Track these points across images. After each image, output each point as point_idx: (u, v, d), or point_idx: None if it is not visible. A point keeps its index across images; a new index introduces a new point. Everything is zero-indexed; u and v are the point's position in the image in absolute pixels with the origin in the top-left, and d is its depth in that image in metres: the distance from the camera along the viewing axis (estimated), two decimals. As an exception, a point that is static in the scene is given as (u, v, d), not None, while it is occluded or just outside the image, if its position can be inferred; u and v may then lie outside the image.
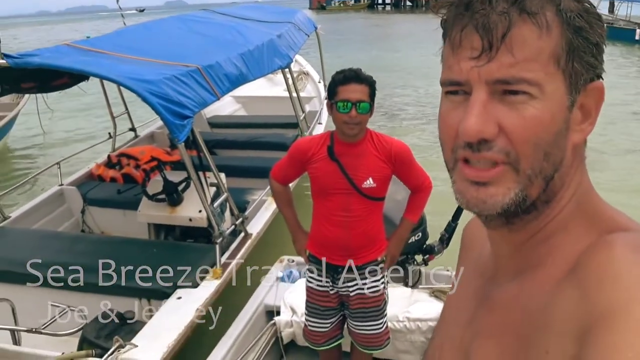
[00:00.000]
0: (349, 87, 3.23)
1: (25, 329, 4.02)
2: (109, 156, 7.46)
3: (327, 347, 3.85)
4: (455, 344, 1.04)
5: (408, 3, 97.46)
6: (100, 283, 4.60)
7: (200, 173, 5.11)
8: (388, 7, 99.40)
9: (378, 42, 35.77)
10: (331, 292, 3.66)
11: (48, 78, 5.08)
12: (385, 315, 3.74)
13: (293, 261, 5.06)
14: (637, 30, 28.93)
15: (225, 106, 10.31)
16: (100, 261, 4.89)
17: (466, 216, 3.36)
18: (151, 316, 4.25)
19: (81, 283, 4.64)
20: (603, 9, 37.50)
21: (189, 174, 5.58)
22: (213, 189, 5.36)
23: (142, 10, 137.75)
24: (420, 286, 4.71)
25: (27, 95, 12.42)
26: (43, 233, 5.95)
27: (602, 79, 0.87)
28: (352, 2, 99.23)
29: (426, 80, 18.62)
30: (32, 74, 4.75)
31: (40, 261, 4.93)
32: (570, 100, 0.83)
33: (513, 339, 0.87)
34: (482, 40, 0.82)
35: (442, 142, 0.93)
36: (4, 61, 4.22)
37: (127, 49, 5.10)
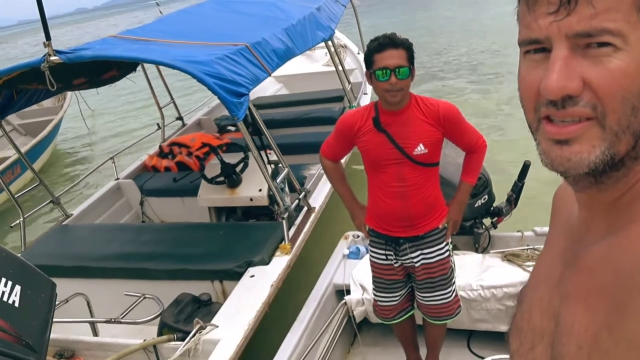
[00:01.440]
0: (386, 53, 3.12)
1: (104, 320, 4.06)
2: (160, 146, 7.51)
3: (399, 320, 3.79)
4: (543, 307, 0.99)
5: None
6: (172, 269, 4.63)
7: (262, 151, 5.08)
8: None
9: (413, 3, 35.10)
10: (396, 265, 3.59)
11: (98, 72, 5.10)
12: (454, 283, 3.66)
13: (358, 236, 5.00)
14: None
15: (267, 87, 10.27)
16: (168, 248, 4.95)
17: (532, 175, 3.25)
18: (226, 297, 4.27)
19: (153, 271, 4.68)
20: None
21: (246, 153, 5.60)
22: (270, 167, 5.33)
23: None
24: (491, 251, 4.60)
25: (69, 97, 12.56)
26: (106, 227, 6.03)
27: None
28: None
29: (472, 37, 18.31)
30: (82, 69, 4.78)
31: (108, 254, 5.02)
32: None
33: (605, 302, 0.81)
34: None
35: (523, 103, 0.89)
36: (57, 57, 4.22)
37: (172, 34, 5.10)
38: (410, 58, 3.19)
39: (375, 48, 3.17)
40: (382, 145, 3.29)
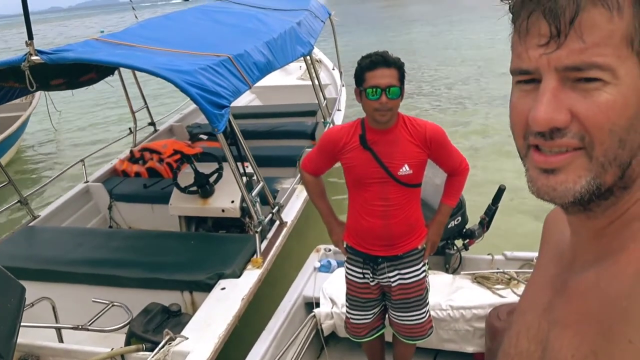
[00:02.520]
0: (377, 72, 3.12)
1: (70, 326, 3.99)
2: (131, 151, 7.45)
3: (370, 338, 3.80)
4: (531, 333, 1.00)
5: None
6: (142, 277, 4.59)
7: (238, 163, 5.06)
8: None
9: (387, 25, 35.39)
10: (372, 283, 3.58)
11: (76, 74, 5.05)
12: (428, 304, 3.67)
13: (330, 250, 5.01)
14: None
15: (240, 97, 10.20)
16: (137, 255, 4.90)
17: (506, 199, 3.31)
18: (196, 308, 4.24)
19: (122, 278, 4.63)
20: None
21: (221, 164, 5.57)
22: (244, 179, 5.32)
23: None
24: (462, 272, 4.64)
25: (38, 94, 12.38)
26: (74, 230, 5.94)
27: None
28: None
29: (442, 62, 18.52)
30: (61, 70, 4.73)
31: (76, 258, 4.95)
32: None
33: (592, 328, 0.82)
34: (550, 26, 0.79)
35: (513, 130, 0.90)
36: (38, 57, 4.17)
37: (156, 41, 5.07)
38: (402, 78, 3.20)
39: (367, 66, 3.16)
40: (367, 163, 3.29)
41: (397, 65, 3.18)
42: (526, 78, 0.85)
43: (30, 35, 4.17)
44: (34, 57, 4.16)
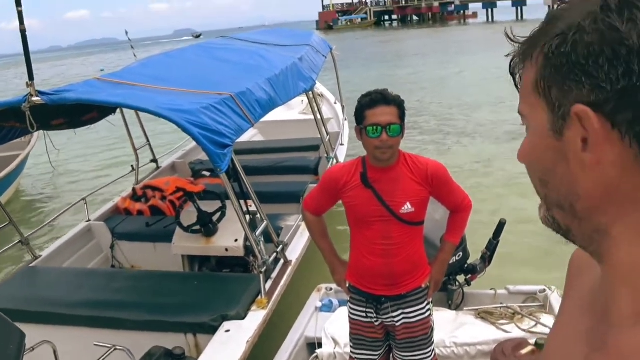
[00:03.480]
0: (377, 110, 3.12)
1: None
2: (133, 189, 7.39)
3: None
4: None
5: (414, 18, 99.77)
6: (144, 319, 4.51)
7: (241, 201, 5.01)
8: (395, 24, 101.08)
9: (386, 59, 35.81)
10: (376, 323, 3.52)
11: (78, 113, 5.01)
12: (433, 342, 3.61)
13: (331, 289, 4.95)
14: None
15: None
16: (140, 297, 4.82)
17: (507, 233, 3.29)
18: (200, 351, 4.15)
19: (124, 321, 4.54)
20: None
21: (224, 202, 5.51)
22: (247, 218, 5.26)
23: (199, 36, 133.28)
24: (465, 308, 4.60)
25: (36, 134, 12.35)
26: (75, 271, 5.87)
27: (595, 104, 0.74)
28: (359, 20, 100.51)
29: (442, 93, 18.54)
30: (63, 110, 4.70)
31: (78, 300, 4.87)
32: (551, 127, 0.78)
33: None
34: (515, 81, 0.87)
35: None
36: (38, 98, 4.14)
37: (156, 79, 5.05)
38: (402, 115, 3.19)
39: (367, 104, 3.16)
40: (369, 201, 3.25)
41: (397, 103, 3.19)
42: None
43: (31, 76, 4.15)
44: (34, 98, 4.13)
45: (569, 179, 0.78)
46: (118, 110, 6.30)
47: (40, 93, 4.16)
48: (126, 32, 8.73)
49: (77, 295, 5.00)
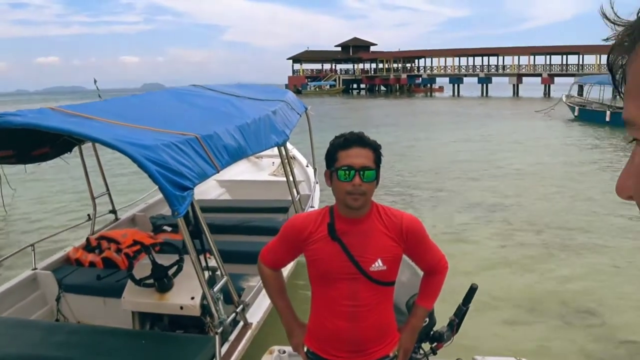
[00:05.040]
0: (352, 151, 2.83)
1: None
2: (88, 239, 6.97)
3: None
4: None
5: (382, 88, 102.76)
6: None
7: (201, 256, 4.61)
8: (362, 92, 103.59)
9: (358, 125, 36.30)
10: None
11: (28, 146, 4.60)
12: None
13: (284, 352, 4.56)
14: (608, 112, 31.84)
15: (209, 190, 10.00)
16: (83, 355, 4.37)
17: (477, 299, 2.99)
18: None
19: None
20: (573, 92, 39.93)
21: (181, 256, 5.11)
22: (207, 274, 4.84)
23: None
24: None
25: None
26: (14, 321, 5.37)
27: None
28: (328, 86, 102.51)
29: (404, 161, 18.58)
30: (10, 140, 4.29)
31: (12, 354, 4.40)
32: None
33: None
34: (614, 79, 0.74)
35: None
36: None
37: (117, 116, 4.69)
38: (378, 161, 2.90)
39: (341, 144, 2.87)
40: (335, 256, 2.91)
41: (374, 147, 2.90)
42: None
43: None
44: None
45: None
46: (75, 151, 5.91)
47: None
48: (95, 81, 8.42)
49: (12, 348, 4.53)
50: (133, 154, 3.67)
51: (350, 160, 2.81)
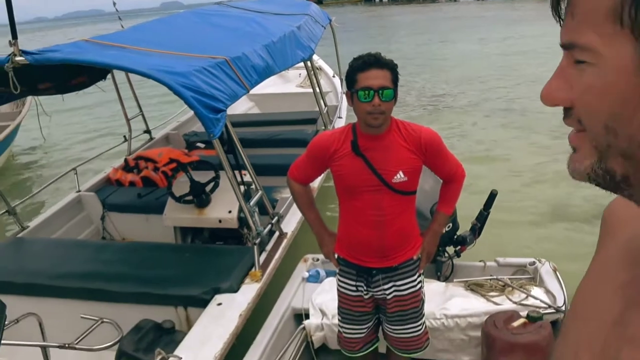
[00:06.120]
0: (370, 73, 2.99)
1: (57, 344, 3.75)
2: (125, 160, 7.23)
3: (364, 352, 3.63)
4: (596, 349, 0.82)
5: None
6: (133, 292, 4.35)
7: (236, 171, 4.84)
8: (384, 0, 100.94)
9: (381, 35, 35.63)
10: (366, 296, 3.43)
11: (66, 77, 4.80)
12: (424, 315, 3.53)
13: (318, 260, 4.87)
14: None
15: (239, 105, 10.06)
16: (129, 269, 4.67)
17: (498, 203, 3.23)
18: (191, 325, 4.00)
19: (112, 293, 4.39)
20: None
21: (217, 172, 5.34)
22: (242, 188, 5.09)
23: None
24: (454, 280, 4.56)
25: (28, 103, 12.18)
26: (64, 242, 5.71)
27: None
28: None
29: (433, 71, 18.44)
30: (49, 73, 4.49)
31: (65, 272, 4.72)
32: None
33: None
34: (553, 3, 0.75)
35: None
36: (22, 58, 3.93)
37: (148, 43, 4.84)
38: (395, 80, 3.06)
39: (359, 66, 3.03)
40: (359, 170, 3.12)
41: (390, 67, 3.05)
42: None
43: (14, 35, 3.92)
44: (18, 58, 3.90)
45: None
46: (109, 77, 6.11)
47: (24, 52, 3.92)
48: (114, 3, 8.48)
49: (64, 267, 4.84)
50: (168, 81, 3.83)
51: (369, 82, 2.97)
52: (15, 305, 3.89)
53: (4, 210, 5.71)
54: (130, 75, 7.04)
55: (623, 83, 0.67)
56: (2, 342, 2.88)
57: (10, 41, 3.91)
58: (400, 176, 3.10)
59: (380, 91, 2.96)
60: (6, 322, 3.11)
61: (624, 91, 0.68)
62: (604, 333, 0.83)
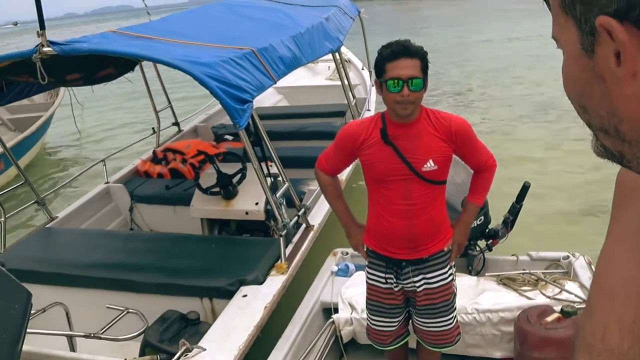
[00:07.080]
0: (399, 62, 2.93)
1: (82, 334, 3.77)
2: (154, 151, 7.26)
3: (395, 346, 3.58)
4: (625, 326, 0.80)
5: None
6: (159, 282, 4.36)
7: (262, 163, 4.84)
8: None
9: (411, 27, 35.38)
10: (396, 289, 3.37)
11: (93, 68, 4.82)
12: (455, 309, 3.47)
13: (347, 253, 4.84)
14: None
15: (267, 98, 10.07)
16: (156, 260, 4.69)
17: (530, 196, 3.13)
18: (216, 316, 3.99)
19: (138, 284, 4.40)
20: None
21: (244, 164, 5.33)
22: (269, 180, 5.07)
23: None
24: (486, 274, 4.49)
25: (61, 94, 12.31)
26: (92, 233, 5.75)
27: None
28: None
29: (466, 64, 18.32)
30: (77, 63, 4.51)
31: (92, 262, 4.75)
32: (582, 45, 0.71)
33: None
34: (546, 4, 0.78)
35: None
36: (50, 49, 3.94)
37: (175, 34, 4.85)
38: (425, 68, 3.00)
39: (388, 56, 2.97)
40: (389, 159, 3.07)
41: (420, 55, 2.99)
42: None
43: (42, 25, 3.93)
44: (45, 49, 3.92)
45: (607, 100, 0.71)
46: (137, 69, 6.13)
47: (51, 43, 3.94)
48: None
49: (91, 257, 4.88)
50: (194, 72, 3.83)
51: (398, 72, 2.92)
52: (43, 294, 3.93)
53: (34, 201, 5.75)
54: (159, 69, 7.07)
55: (576, 65, 0.73)
56: (29, 330, 2.88)
57: (37, 32, 3.93)
58: (430, 165, 3.05)
59: (410, 81, 2.91)
60: (33, 311, 3.11)
61: (580, 72, 0.73)
62: (634, 309, 0.81)
